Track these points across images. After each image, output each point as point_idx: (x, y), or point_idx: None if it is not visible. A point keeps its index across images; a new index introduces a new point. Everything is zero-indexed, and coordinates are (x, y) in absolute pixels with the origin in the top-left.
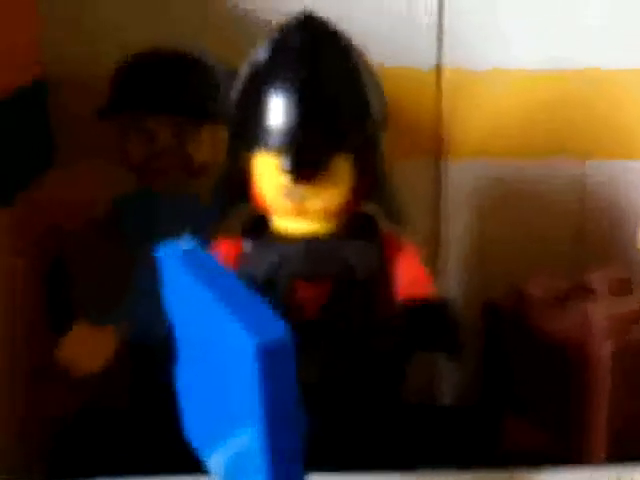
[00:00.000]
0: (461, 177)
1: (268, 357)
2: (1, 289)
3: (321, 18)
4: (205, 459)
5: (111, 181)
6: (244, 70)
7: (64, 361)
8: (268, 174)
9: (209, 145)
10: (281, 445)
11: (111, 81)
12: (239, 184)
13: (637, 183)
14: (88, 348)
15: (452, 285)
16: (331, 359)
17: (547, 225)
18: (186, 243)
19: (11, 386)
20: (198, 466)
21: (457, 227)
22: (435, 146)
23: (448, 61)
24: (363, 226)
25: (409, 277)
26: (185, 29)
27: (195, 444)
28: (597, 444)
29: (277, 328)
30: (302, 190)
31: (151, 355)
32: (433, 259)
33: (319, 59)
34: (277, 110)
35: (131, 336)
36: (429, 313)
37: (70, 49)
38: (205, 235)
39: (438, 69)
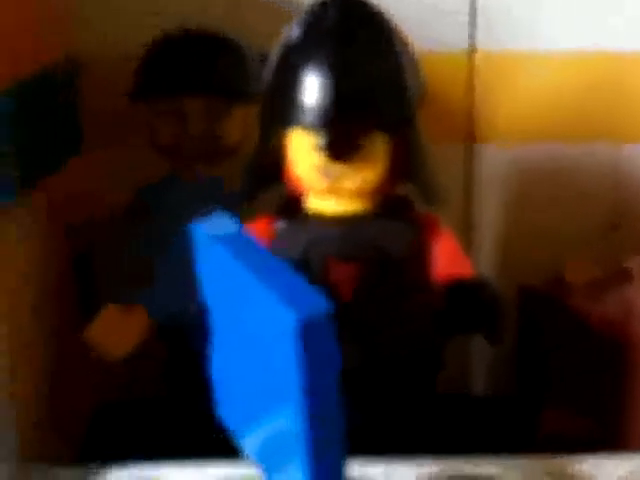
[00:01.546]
0: (494, 161)
1: (309, 333)
2: (32, 273)
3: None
4: (241, 443)
5: (140, 168)
6: (277, 48)
7: (93, 344)
8: (303, 153)
9: (240, 126)
10: (321, 426)
11: (141, 62)
12: (272, 164)
13: None
14: (117, 330)
15: (485, 270)
16: (366, 343)
17: (582, 210)
18: (220, 221)
19: (42, 374)
20: (234, 450)
21: (490, 211)
22: (468, 129)
23: (481, 43)
24: (399, 207)
25: (448, 258)
26: (216, 9)
27: (231, 428)
28: (638, 430)
29: (318, 304)
30: (337, 169)
31: (184, 337)
32: (466, 243)
33: (355, 37)
34: (313, 88)
35: (162, 318)
36: (471, 293)
37: (101, 28)
38: (237, 217)
39: (471, 51)
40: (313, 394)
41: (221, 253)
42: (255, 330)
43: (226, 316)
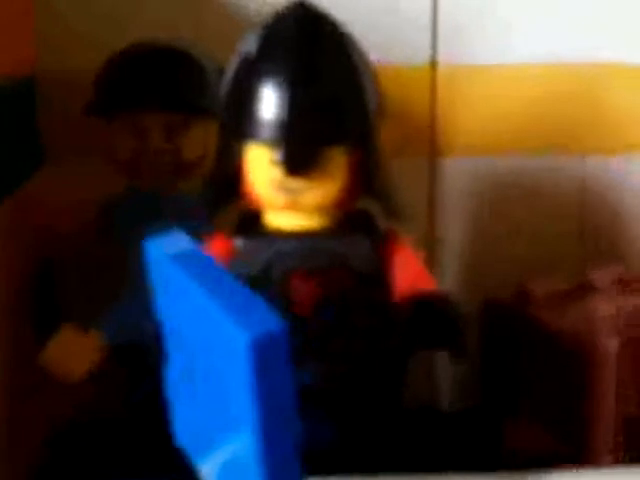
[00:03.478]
0: (457, 174)
1: (262, 351)
2: None
3: (315, 8)
4: (197, 465)
5: (102, 181)
6: (234, 60)
7: (48, 365)
8: (261, 168)
9: (200, 141)
10: (277, 447)
11: (99, 76)
12: (230, 180)
13: (637, 179)
14: (73, 352)
15: (449, 284)
16: (328, 358)
17: (546, 223)
18: (176, 238)
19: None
20: (190, 473)
21: (454, 225)
22: (431, 143)
23: (443, 57)
24: (360, 222)
25: (410, 273)
26: (176, 25)
27: (188, 449)
28: (603, 444)
29: (271, 322)
30: (296, 184)
31: (142, 359)
32: (430, 257)
33: (312, 51)
34: (270, 102)
35: (119, 339)
36: (433, 308)
37: (60, 43)
38: (196, 233)
39: (433, 65)
40: (267, 415)
41: (175, 271)
42: (209, 350)
43: (181, 336)
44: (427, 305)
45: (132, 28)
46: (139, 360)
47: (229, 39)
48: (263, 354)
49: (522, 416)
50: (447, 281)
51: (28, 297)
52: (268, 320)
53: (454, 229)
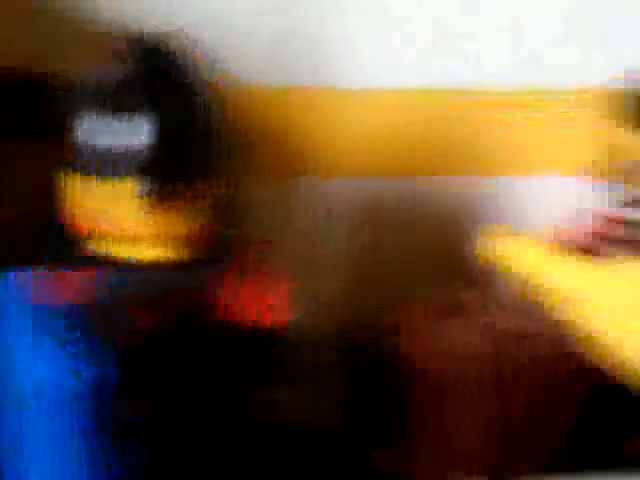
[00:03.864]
0: (330, 196)
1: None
2: None
3: (159, 43)
4: None
5: None
6: (81, 95)
7: None
8: (118, 201)
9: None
10: None
11: None
12: (55, 211)
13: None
14: None
15: (325, 305)
16: (169, 386)
17: (416, 243)
18: (16, 277)
19: None
20: None
21: (329, 246)
22: (293, 165)
23: (312, 80)
24: (217, 251)
25: (255, 304)
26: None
27: None
28: (466, 462)
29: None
30: (154, 216)
31: None
32: (304, 279)
33: (163, 88)
34: (124, 138)
35: None
36: (259, 342)
37: None
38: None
39: (291, 88)
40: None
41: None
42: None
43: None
44: (253, 338)
45: None
46: None
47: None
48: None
49: (385, 444)
50: (323, 302)
51: None
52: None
53: (330, 250)
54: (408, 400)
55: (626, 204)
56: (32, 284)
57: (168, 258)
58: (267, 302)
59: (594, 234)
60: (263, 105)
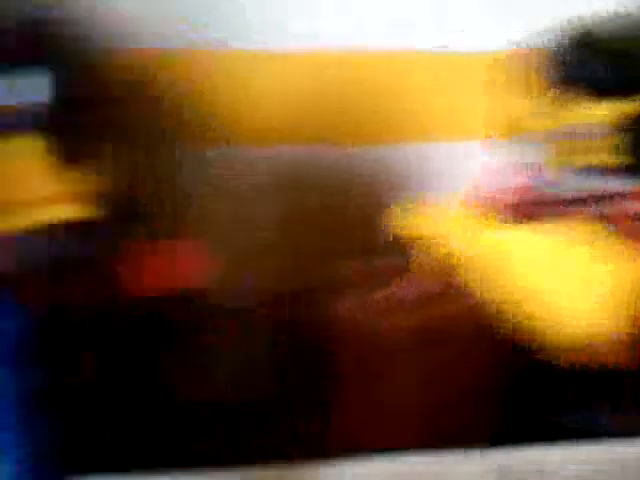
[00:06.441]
0: (236, 163)
1: None
2: None
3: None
4: None
5: None
6: None
7: None
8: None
9: None
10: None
11: None
12: None
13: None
14: None
15: (242, 272)
16: (83, 356)
17: (332, 211)
18: None
19: None
20: None
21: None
22: (207, 131)
23: (218, 41)
24: (127, 213)
25: (159, 268)
26: None
27: None
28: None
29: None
30: (58, 175)
31: None
32: (222, 245)
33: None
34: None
35: None
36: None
37: None
38: None
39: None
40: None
41: None
42: None
43: None
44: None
45: None
46: None
47: None
48: None
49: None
50: (232, 270)
51: None
52: None
53: (229, 217)
54: (334, 365)
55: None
56: None
57: (75, 219)
58: (180, 267)
59: (515, 195)
60: (170, 69)
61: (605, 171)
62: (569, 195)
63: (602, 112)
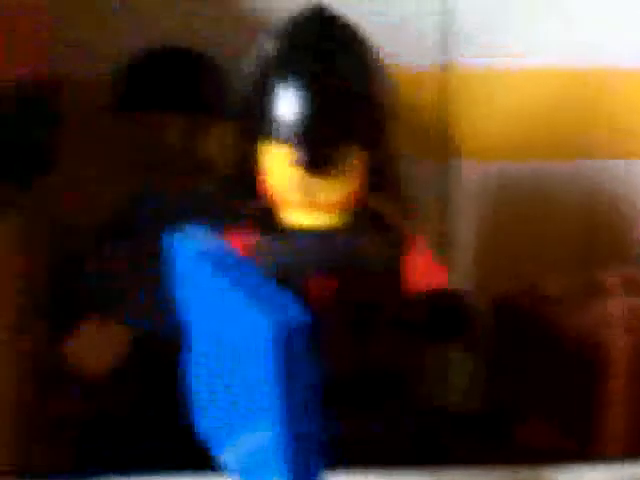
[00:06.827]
0: (470, 176)
1: (287, 339)
2: (9, 289)
3: (332, 11)
4: (219, 456)
5: (119, 181)
6: (253, 63)
7: (72, 358)
8: (280, 167)
9: (218, 143)
10: (300, 437)
11: (119, 78)
12: (248, 179)
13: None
14: (97, 345)
15: (460, 283)
16: (344, 354)
17: (556, 224)
18: (197, 234)
19: (18, 387)
20: (210, 463)
21: (466, 226)
22: (444, 145)
23: (456, 60)
24: (372, 221)
25: (424, 269)
26: (188, 28)
27: (209, 441)
28: (614, 440)
29: (296, 313)
30: (314, 183)
31: (162, 351)
32: (442, 256)
33: (332, 53)
34: (291, 103)
35: (142, 332)
36: (447, 302)
37: (75, 49)
38: (214, 230)
39: (445, 68)
40: (291, 404)
41: (200, 265)
42: (235, 342)
43: (205, 329)
44: (441, 298)
45: (149, 32)
46: (159, 352)
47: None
48: (288, 342)
49: (532, 414)
50: (458, 279)
51: (47, 292)
52: (293, 311)
53: (466, 230)
54: (554, 372)
55: None
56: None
57: (327, 226)
58: (434, 268)
59: None
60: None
61: None
62: None
63: None
